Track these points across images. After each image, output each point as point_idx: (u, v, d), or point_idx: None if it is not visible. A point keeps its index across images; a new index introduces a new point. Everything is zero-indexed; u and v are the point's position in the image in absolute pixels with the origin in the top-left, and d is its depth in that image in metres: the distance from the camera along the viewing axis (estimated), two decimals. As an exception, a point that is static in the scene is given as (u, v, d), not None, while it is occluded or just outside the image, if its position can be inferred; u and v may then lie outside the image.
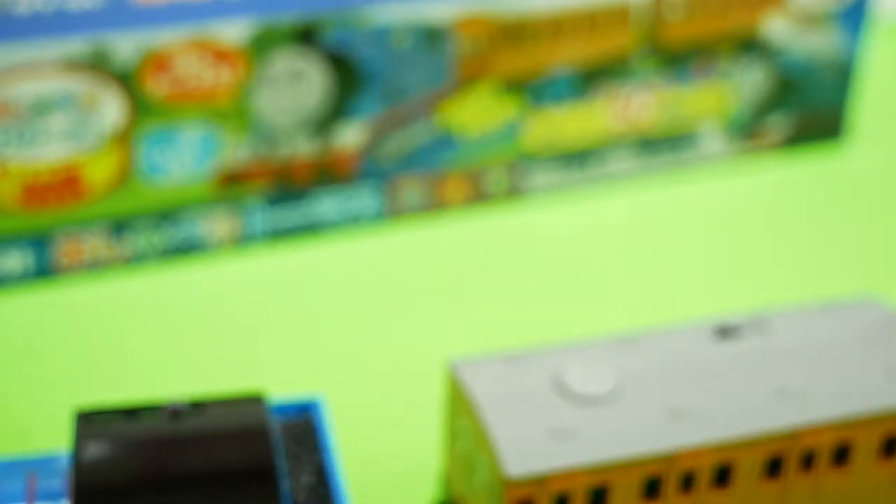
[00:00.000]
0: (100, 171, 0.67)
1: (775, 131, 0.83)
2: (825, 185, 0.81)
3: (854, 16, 0.82)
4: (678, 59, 0.78)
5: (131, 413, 0.44)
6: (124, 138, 0.67)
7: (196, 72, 0.66)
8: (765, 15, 0.79)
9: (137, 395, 0.61)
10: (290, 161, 0.71)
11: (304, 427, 0.47)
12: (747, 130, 0.82)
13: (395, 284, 0.70)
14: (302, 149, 0.71)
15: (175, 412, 0.44)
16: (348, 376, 0.62)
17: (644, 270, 0.72)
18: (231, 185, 0.70)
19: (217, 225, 0.71)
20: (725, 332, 0.53)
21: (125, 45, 0.64)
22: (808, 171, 0.83)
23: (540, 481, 0.46)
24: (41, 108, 0.64)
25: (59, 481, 0.43)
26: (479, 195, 0.76)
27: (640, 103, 0.78)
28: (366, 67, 0.70)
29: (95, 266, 0.69)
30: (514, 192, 0.77)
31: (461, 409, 0.50)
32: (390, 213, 0.74)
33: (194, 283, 0.69)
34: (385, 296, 0.69)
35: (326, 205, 0.73)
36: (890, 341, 0.53)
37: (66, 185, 0.66)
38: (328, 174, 0.72)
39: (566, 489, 0.47)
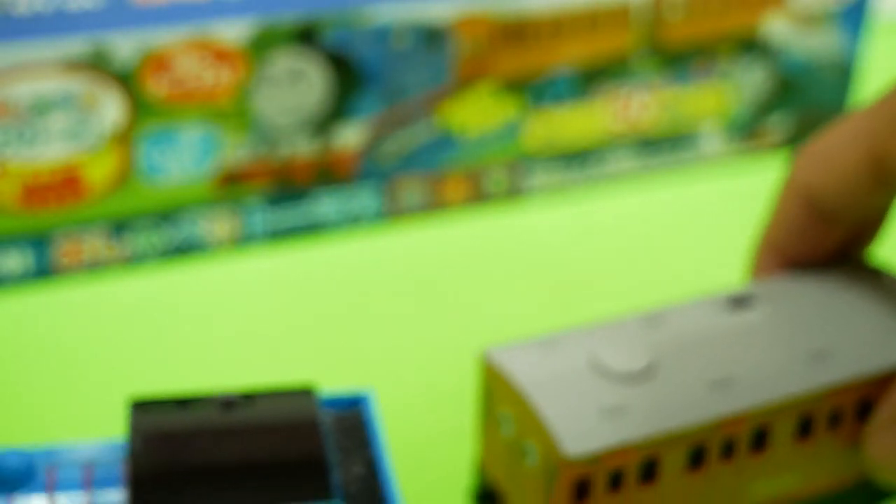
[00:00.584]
0: (100, 171, 0.67)
1: (775, 131, 0.83)
2: (825, 185, 0.81)
3: (854, 16, 0.82)
4: (678, 59, 0.78)
5: (184, 403, 0.44)
6: (124, 138, 0.67)
7: (196, 72, 0.66)
8: (765, 15, 0.79)
9: (136, 394, 0.61)
10: (290, 161, 0.71)
11: (353, 420, 0.47)
12: (747, 130, 0.82)
13: (395, 284, 0.70)
14: (302, 149, 0.71)
15: (227, 403, 0.44)
16: (348, 376, 0.62)
17: (644, 270, 0.72)
18: (231, 185, 0.70)
19: (217, 225, 0.71)
20: (739, 302, 0.54)
21: (125, 45, 0.64)
22: (808, 171, 0.83)
23: (596, 460, 0.47)
24: (41, 108, 0.64)
25: (115, 469, 0.44)
26: (479, 195, 0.76)
27: (640, 103, 0.78)
28: (366, 67, 0.70)
29: (95, 266, 0.69)
30: (514, 192, 0.77)
31: (502, 397, 0.50)
32: (390, 213, 0.75)
33: (194, 283, 0.69)
34: (385, 296, 0.69)
35: (326, 205, 0.73)
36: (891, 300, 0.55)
37: (66, 185, 0.66)
38: (328, 174, 0.72)
39: (620, 465, 0.48)
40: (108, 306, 0.67)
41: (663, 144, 0.80)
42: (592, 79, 0.76)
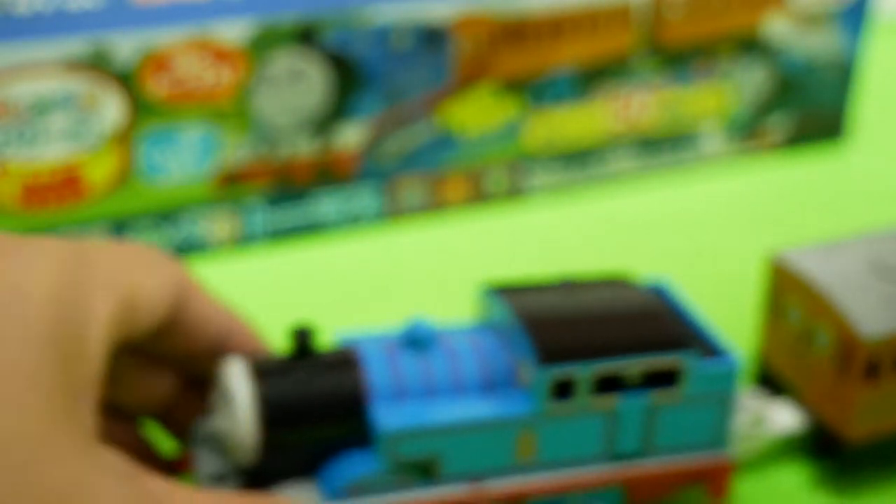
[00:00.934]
0: (100, 171, 0.67)
1: (775, 131, 0.83)
2: (825, 185, 0.81)
3: (854, 16, 0.82)
4: (678, 59, 0.78)
5: (531, 289, 0.52)
6: (124, 138, 0.67)
7: (196, 72, 0.66)
8: (765, 15, 0.79)
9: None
10: (290, 161, 0.71)
11: (663, 302, 0.54)
12: (747, 130, 0.82)
13: (395, 284, 0.70)
14: (302, 149, 0.71)
15: (569, 287, 0.52)
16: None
17: (644, 270, 0.72)
18: (231, 185, 0.70)
19: (217, 225, 0.71)
20: None
21: (125, 46, 0.64)
22: (808, 171, 0.83)
23: (886, 342, 0.53)
24: (41, 108, 0.64)
25: (492, 337, 0.51)
26: (479, 195, 0.76)
27: (641, 103, 0.78)
28: (366, 67, 0.70)
29: (95, 266, 0.69)
30: (514, 192, 0.77)
31: (791, 291, 0.57)
32: (390, 212, 0.75)
33: (194, 283, 0.69)
34: (385, 296, 0.69)
35: (326, 205, 0.73)
36: None
37: (66, 185, 0.66)
38: (328, 174, 0.72)
39: None
40: (108, 306, 0.67)
41: (663, 144, 0.80)
42: (592, 79, 0.76)
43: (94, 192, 0.67)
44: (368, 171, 0.73)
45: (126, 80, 0.65)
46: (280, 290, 0.69)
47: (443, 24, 0.70)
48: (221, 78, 0.67)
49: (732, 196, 0.80)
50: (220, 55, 0.66)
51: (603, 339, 0.49)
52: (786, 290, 0.58)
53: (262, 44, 0.67)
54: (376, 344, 0.50)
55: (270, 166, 0.70)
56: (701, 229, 0.76)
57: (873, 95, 0.91)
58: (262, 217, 0.71)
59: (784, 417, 0.57)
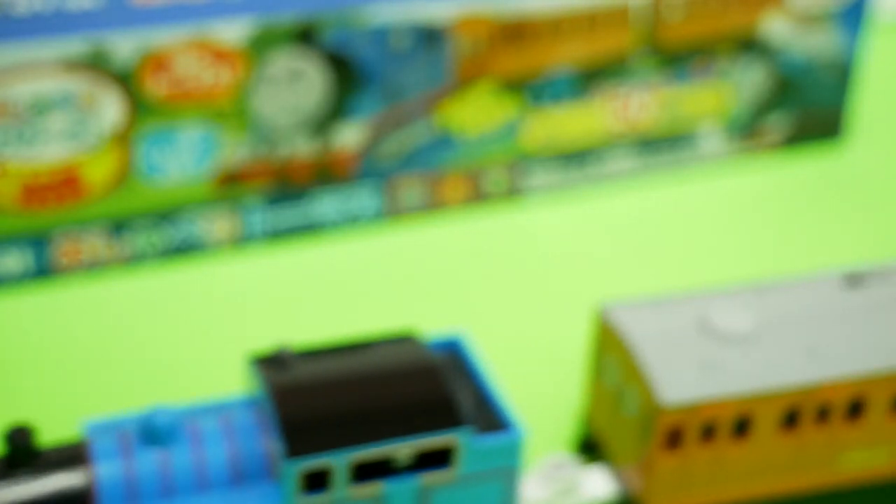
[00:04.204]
0: (99, 171, 0.67)
1: (775, 131, 0.83)
2: (825, 184, 0.81)
3: (854, 16, 0.82)
4: (678, 59, 0.78)
5: (301, 356, 0.48)
6: (124, 138, 0.67)
7: (196, 72, 0.66)
8: (764, 15, 0.79)
9: (137, 394, 0.61)
10: (289, 161, 0.71)
11: (454, 360, 0.50)
12: (747, 130, 0.82)
13: (395, 284, 0.70)
14: (302, 149, 0.71)
15: (345, 351, 0.48)
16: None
17: (644, 270, 0.72)
18: (231, 185, 0.70)
19: (217, 225, 0.71)
20: (854, 280, 0.56)
21: (125, 45, 0.64)
22: (808, 171, 0.83)
23: (691, 409, 0.50)
24: (41, 108, 0.64)
25: (251, 417, 0.47)
26: (478, 195, 0.76)
27: (640, 103, 0.78)
28: (366, 67, 0.70)
29: (95, 266, 0.69)
30: (513, 192, 0.77)
31: (610, 348, 0.54)
32: (390, 213, 0.75)
33: (194, 283, 0.69)
34: (384, 296, 0.69)
35: (326, 205, 0.73)
36: None
37: (65, 185, 0.66)
38: (328, 174, 0.72)
39: (714, 417, 0.51)
40: (108, 306, 0.67)
41: (663, 144, 0.80)
42: (592, 79, 0.76)
43: (94, 192, 0.67)
44: (368, 171, 0.73)
45: (125, 80, 0.65)
46: (279, 289, 0.69)
47: (442, 24, 0.71)
48: (221, 78, 0.67)
49: (732, 196, 0.80)
50: (220, 55, 0.67)
51: (365, 421, 0.44)
52: (606, 347, 0.54)
53: (262, 44, 0.67)
54: (113, 435, 0.45)
55: (270, 166, 0.70)
56: (701, 229, 0.76)
57: (873, 95, 0.91)
58: (261, 217, 0.71)
59: (597, 486, 0.54)
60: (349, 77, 0.70)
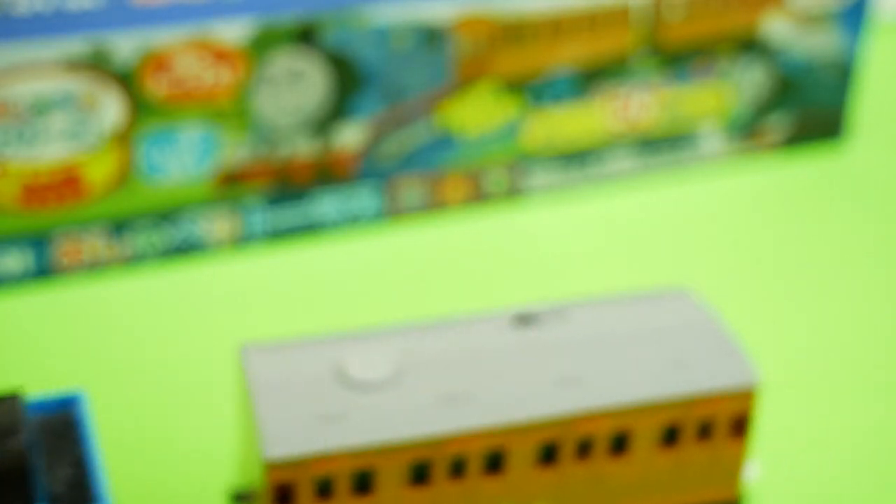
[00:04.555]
0: (100, 171, 0.67)
1: (775, 131, 0.83)
2: (825, 185, 0.81)
3: (854, 16, 0.82)
4: (678, 59, 0.78)
5: None
6: (124, 138, 0.67)
7: (196, 72, 0.66)
8: (765, 15, 0.79)
9: (137, 394, 0.61)
10: (290, 161, 0.71)
11: (64, 422, 0.46)
12: (747, 130, 0.82)
13: (395, 284, 0.70)
14: (302, 149, 0.71)
15: None
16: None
17: (644, 270, 0.72)
18: (231, 185, 0.70)
19: (217, 225, 0.71)
20: (524, 320, 0.52)
21: (125, 45, 0.64)
22: (808, 171, 0.83)
23: (300, 464, 0.46)
24: (41, 108, 0.64)
25: None
26: (479, 195, 0.76)
27: (640, 103, 0.78)
28: (366, 67, 0.70)
29: (95, 266, 0.69)
30: (513, 192, 0.77)
31: (244, 394, 0.50)
32: (390, 213, 0.75)
33: (194, 283, 0.69)
34: (384, 296, 0.69)
35: (326, 205, 0.73)
36: (687, 334, 0.53)
37: (66, 185, 0.66)
38: (328, 174, 0.72)
39: (329, 472, 0.47)
40: (108, 306, 0.67)
41: (663, 144, 0.80)
42: (592, 79, 0.76)
43: (94, 192, 0.67)
44: (368, 171, 0.73)
45: (126, 80, 0.65)
46: (280, 289, 0.69)
47: (443, 24, 0.71)
48: (221, 78, 0.67)
49: (732, 196, 0.80)
50: (220, 55, 0.67)
51: None
52: (243, 392, 0.50)
53: (262, 44, 0.67)
54: None
55: (270, 166, 0.70)
56: (701, 229, 0.76)
57: (873, 95, 0.91)
58: (261, 217, 0.71)
59: None
60: (350, 77, 0.70)
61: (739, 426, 0.53)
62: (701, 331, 0.53)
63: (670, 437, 0.52)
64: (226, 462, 0.57)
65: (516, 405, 0.49)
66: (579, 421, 0.50)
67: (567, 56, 0.75)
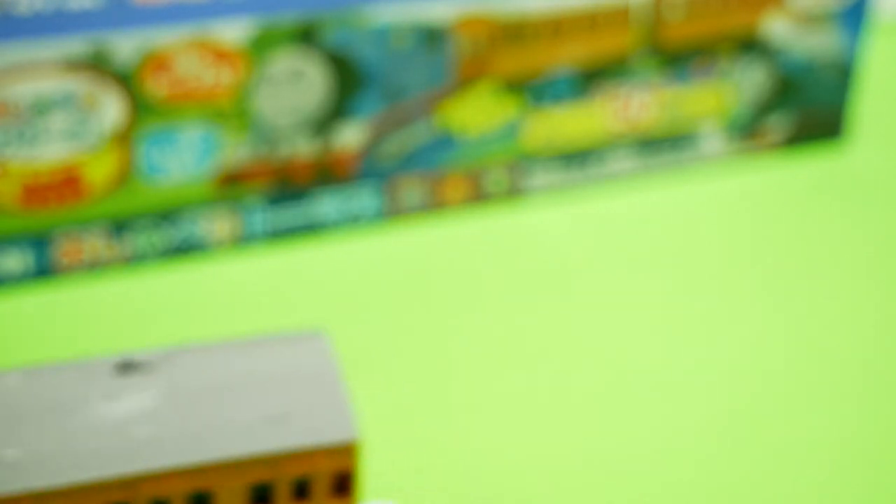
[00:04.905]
0: (100, 171, 0.67)
1: (775, 131, 0.83)
2: (825, 185, 0.81)
3: (854, 16, 0.82)
4: (678, 59, 0.78)
5: None
6: (124, 138, 0.67)
7: (196, 72, 0.66)
8: (765, 15, 0.79)
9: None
10: (290, 161, 0.71)
11: None
12: (747, 130, 0.82)
13: (395, 284, 0.70)
14: (302, 149, 0.71)
15: None
16: (347, 375, 0.62)
17: (643, 270, 0.72)
18: (231, 185, 0.70)
19: (217, 225, 0.71)
20: (127, 367, 0.49)
21: (125, 45, 0.64)
22: (808, 171, 0.83)
23: None
24: (41, 108, 0.64)
25: None
26: (479, 195, 0.76)
27: (640, 103, 0.78)
28: (366, 67, 0.70)
29: (95, 266, 0.69)
30: (514, 192, 0.77)
31: None
32: (390, 213, 0.75)
33: (194, 283, 0.69)
34: (384, 296, 0.69)
35: (326, 205, 0.73)
36: (299, 384, 0.50)
37: (66, 185, 0.66)
38: (328, 174, 0.72)
39: None
40: (108, 306, 0.67)
41: (663, 144, 0.80)
42: (592, 79, 0.76)
43: (94, 192, 0.67)
44: (368, 171, 0.73)
45: (126, 80, 0.65)
46: (280, 290, 0.69)
47: (443, 24, 0.71)
48: (221, 78, 0.67)
49: (732, 196, 0.80)
50: (220, 55, 0.67)
51: None
52: None
53: (262, 44, 0.67)
54: None
55: (270, 166, 0.70)
56: (701, 229, 0.76)
57: (873, 95, 0.91)
58: (262, 217, 0.71)
59: None
60: (350, 77, 0.70)
61: (343, 484, 0.49)
62: (314, 381, 0.50)
63: (260, 496, 0.48)
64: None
65: (80, 465, 0.45)
66: (149, 482, 0.46)
67: (567, 56, 0.75)
